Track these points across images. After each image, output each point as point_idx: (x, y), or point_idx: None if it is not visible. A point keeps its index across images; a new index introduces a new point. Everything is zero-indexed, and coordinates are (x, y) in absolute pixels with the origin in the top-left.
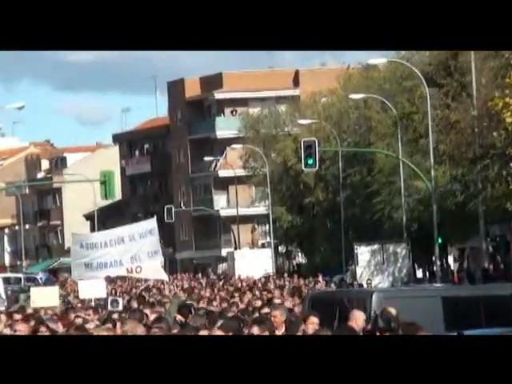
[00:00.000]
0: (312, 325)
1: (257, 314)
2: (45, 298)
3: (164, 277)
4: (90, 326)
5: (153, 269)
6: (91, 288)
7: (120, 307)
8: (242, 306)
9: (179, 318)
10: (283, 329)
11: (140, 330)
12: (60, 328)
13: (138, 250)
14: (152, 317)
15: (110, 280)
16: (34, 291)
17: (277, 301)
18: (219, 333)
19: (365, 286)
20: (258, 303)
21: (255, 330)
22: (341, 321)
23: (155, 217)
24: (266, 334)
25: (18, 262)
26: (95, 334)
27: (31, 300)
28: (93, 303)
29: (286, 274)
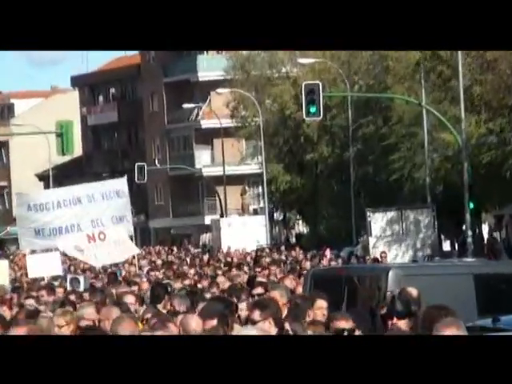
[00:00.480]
0: (320, 310)
1: (245, 295)
2: (45, 265)
3: (132, 251)
4: (44, 309)
5: (118, 239)
6: (43, 264)
7: (81, 287)
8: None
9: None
10: (285, 313)
11: (114, 312)
12: (6, 312)
13: (99, 212)
14: (127, 298)
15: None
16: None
17: (272, 279)
18: (197, 318)
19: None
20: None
21: (256, 316)
22: (350, 304)
23: (125, 176)
24: (270, 321)
25: None
26: (49, 320)
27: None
28: (45, 282)
29: (283, 247)
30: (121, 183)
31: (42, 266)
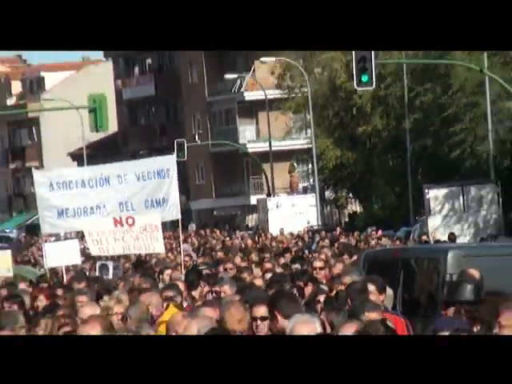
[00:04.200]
0: (371, 296)
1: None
2: (63, 253)
3: (158, 248)
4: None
5: (146, 226)
6: (61, 253)
7: (110, 274)
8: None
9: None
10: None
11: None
12: (43, 302)
13: (129, 195)
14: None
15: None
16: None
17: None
18: (241, 309)
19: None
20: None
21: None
22: (406, 288)
23: (174, 154)
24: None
25: None
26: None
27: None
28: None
29: (338, 229)
30: (168, 161)
31: (60, 255)
